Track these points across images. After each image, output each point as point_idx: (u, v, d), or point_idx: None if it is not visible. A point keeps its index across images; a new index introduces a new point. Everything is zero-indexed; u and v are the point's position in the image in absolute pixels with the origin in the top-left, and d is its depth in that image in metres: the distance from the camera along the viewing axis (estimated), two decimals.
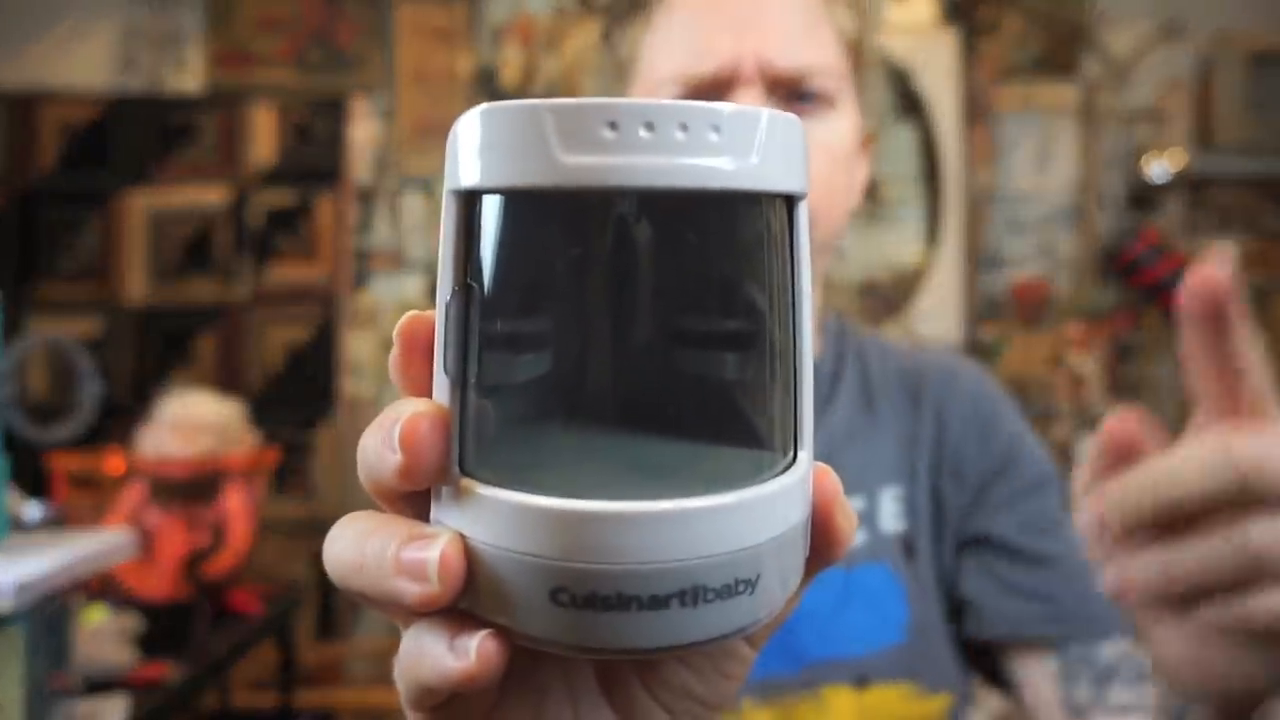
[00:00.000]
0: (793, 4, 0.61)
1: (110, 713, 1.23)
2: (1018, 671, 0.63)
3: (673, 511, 0.23)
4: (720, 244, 0.24)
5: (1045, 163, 2.53)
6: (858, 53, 0.64)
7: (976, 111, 2.53)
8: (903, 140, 2.51)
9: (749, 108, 0.24)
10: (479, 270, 0.24)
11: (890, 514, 0.64)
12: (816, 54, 0.61)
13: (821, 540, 0.26)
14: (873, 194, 2.48)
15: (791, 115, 0.25)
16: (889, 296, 2.51)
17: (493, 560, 0.24)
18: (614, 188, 0.22)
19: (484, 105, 0.24)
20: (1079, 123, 2.53)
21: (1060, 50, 2.54)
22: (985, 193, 2.54)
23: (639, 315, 0.24)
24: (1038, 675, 0.61)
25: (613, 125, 0.22)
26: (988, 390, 0.69)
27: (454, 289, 0.24)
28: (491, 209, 0.24)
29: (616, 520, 0.22)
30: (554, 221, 0.24)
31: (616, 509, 0.22)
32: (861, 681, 0.61)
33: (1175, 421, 0.36)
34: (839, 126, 0.62)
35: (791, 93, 0.60)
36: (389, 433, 0.24)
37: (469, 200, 0.24)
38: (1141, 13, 2.48)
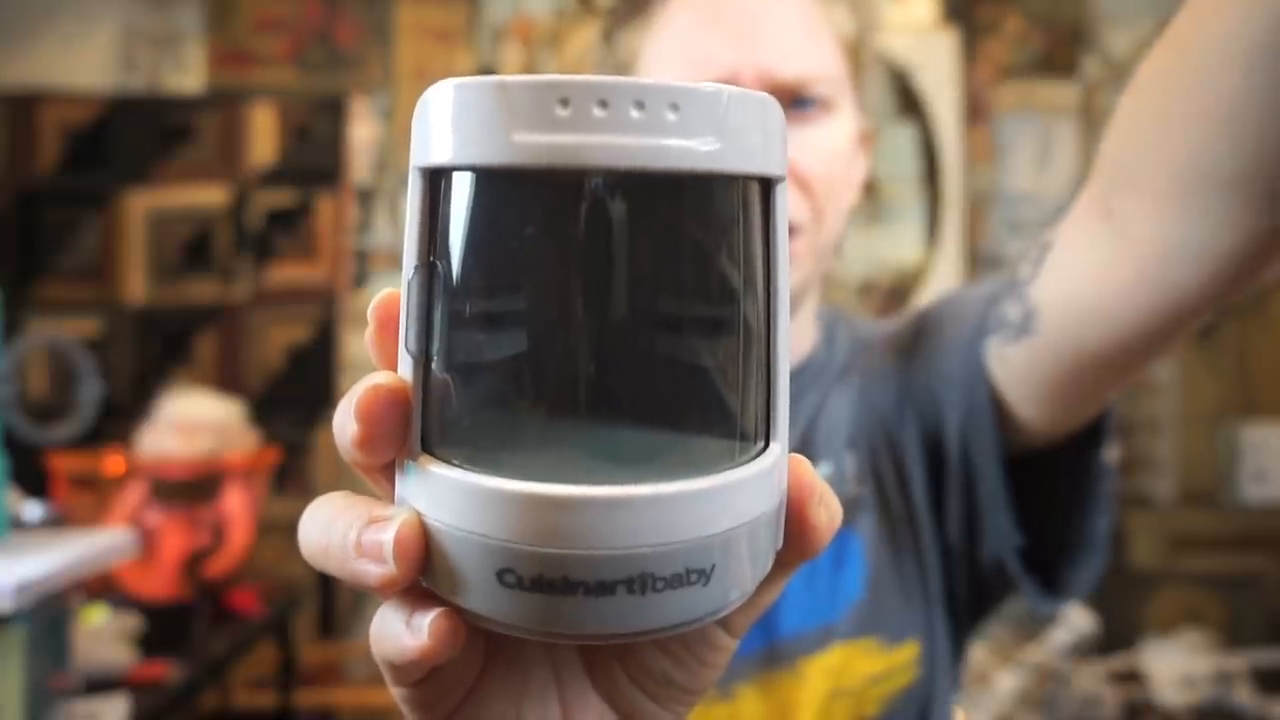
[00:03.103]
0: (792, 12, 0.61)
1: (110, 713, 1.23)
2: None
3: (621, 497, 0.22)
4: (683, 226, 0.24)
5: (1045, 163, 2.53)
6: (857, 53, 0.64)
7: (976, 111, 2.53)
8: (903, 140, 2.51)
9: (712, 86, 0.23)
10: (441, 247, 0.24)
11: (851, 476, 0.64)
12: (816, 62, 0.61)
13: (796, 534, 0.26)
14: (873, 194, 2.48)
15: (765, 95, 0.24)
16: (889, 296, 2.51)
17: (446, 539, 0.24)
18: (561, 167, 0.22)
19: (444, 81, 0.23)
20: (1079, 123, 2.53)
21: (1060, 50, 2.54)
22: (985, 193, 2.54)
23: (603, 297, 0.23)
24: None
25: (565, 103, 0.22)
26: (945, 299, 0.68)
27: (416, 266, 0.24)
28: (450, 186, 0.24)
29: (563, 504, 0.22)
30: (513, 199, 0.23)
31: (564, 492, 0.22)
32: (827, 644, 0.62)
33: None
34: (838, 130, 0.62)
35: (791, 100, 0.60)
36: (349, 402, 0.24)
37: (428, 177, 0.24)
38: (1141, 13, 2.48)
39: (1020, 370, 0.56)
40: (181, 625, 1.56)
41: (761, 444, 0.25)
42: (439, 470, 0.24)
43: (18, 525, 1.23)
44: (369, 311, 0.26)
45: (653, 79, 0.22)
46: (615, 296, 0.23)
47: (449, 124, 0.23)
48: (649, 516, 0.22)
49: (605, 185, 0.23)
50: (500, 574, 0.23)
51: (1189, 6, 0.41)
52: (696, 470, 0.23)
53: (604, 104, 0.22)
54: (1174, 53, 0.42)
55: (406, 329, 0.24)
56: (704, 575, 0.23)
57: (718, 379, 0.24)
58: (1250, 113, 0.39)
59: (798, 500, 0.26)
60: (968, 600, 0.66)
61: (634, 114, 0.22)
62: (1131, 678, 2.32)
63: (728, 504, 0.24)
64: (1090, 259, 0.50)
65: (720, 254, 0.24)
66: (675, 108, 0.22)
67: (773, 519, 0.25)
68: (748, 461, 0.25)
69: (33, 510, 1.29)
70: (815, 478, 0.26)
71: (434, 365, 0.24)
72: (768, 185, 0.25)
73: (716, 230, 0.24)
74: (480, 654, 0.29)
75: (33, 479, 1.63)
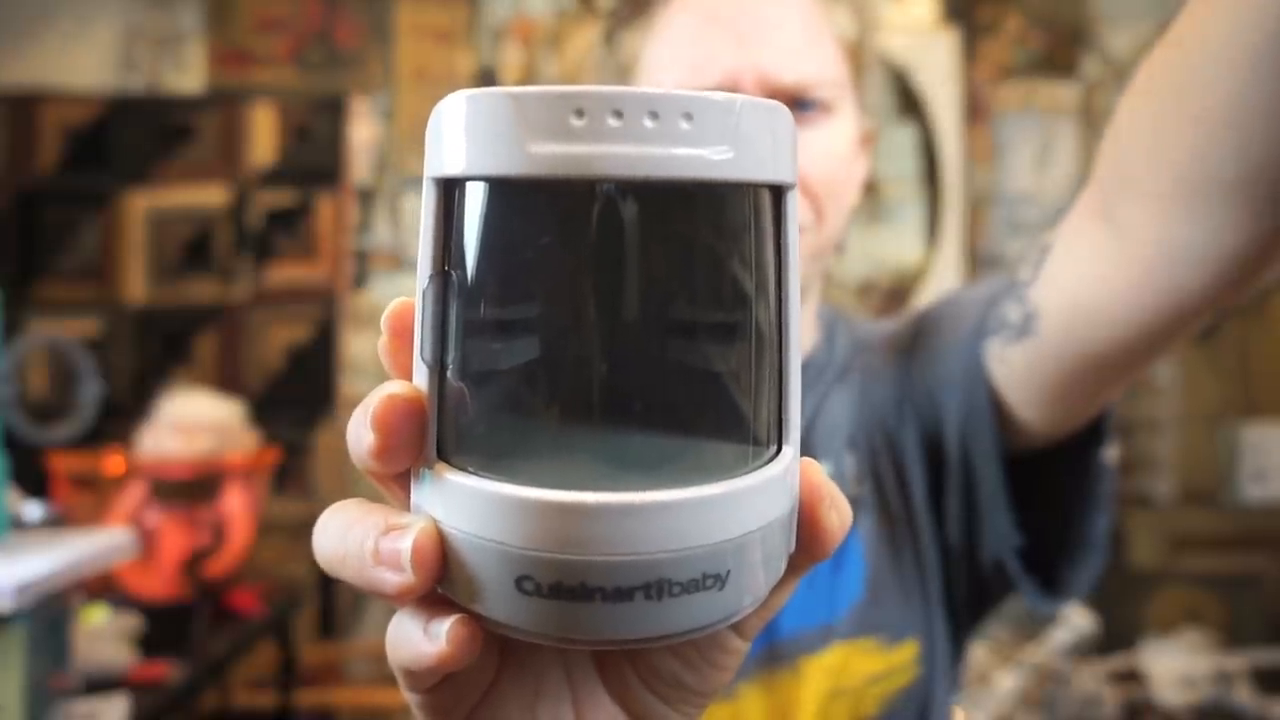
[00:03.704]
0: (793, 16, 0.61)
1: (110, 713, 1.23)
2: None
3: (638, 504, 0.22)
4: (696, 234, 0.24)
5: (1045, 163, 2.53)
6: (857, 55, 0.64)
7: (976, 111, 2.53)
8: (903, 140, 2.51)
9: (724, 95, 0.23)
10: (456, 257, 0.24)
11: (851, 477, 0.65)
12: (817, 65, 0.61)
13: (809, 537, 0.26)
14: (873, 194, 2.48)
15: (776, 103, 0.24)
16: (889, 296, 2.51)
17: (463, 546, 0.24)
18: (577, 177, 0.22)
19: (458, 92, 0.23)
20: (1079, 123, 2.53)
21: (1060, 50, 2.54)
22: (985, 193, 2.54)
23: (617, 304, 0.23)
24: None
25: (579, 113, 0.22)
26: (944, 299, 0.68)
27: (431, 276, 0.24)
28: (464, 196, 0.24)
29: (581, 511, 0.22)
30: (527, 209, 0.24)
31: (581, 499, 0.22)
32: (827, 643, 0.62)
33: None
34: (838, 132, 0.63)
35: (792, 102, 0.60)
36: (365, 413, 0.24)
37: (443, 187, 0.24)
38: (1141, 13, 2.48)
39: (1020, 371, 0.56)
40: (181, 625, 1.56)
41: (774, 448, 0.26)
42: (455, 478, 0.24)
43: (18, 525, 1.23)
44: (383, 320, 0.26)
45: (665, 89, 0.22)
46: (629, 304, 0.23)
47: (463, 135, 0.23)
48: (666, 522, 0.23)
49: (619, 193, 0.23)
50: (518, 581, 0.23)
51: (1189, 9, 0.41)
52: (711, 475, 0.23)
53: (619, 114, 0.22)
54: (1175, 55, 0.42)
55: (421, 338, 0.24)
56: (720, 580, 0.24)
57: (731, 384, 0.25)
58: (1252, 115, 0.39)
59: (809, 503, 0.26)
60: (967, 600, 0.66)
61: (648, 123, 0.22)
62: (1131, 678, 2.32)
63: (743, 509, 0.24)
64: (1091, 261, 0.50)
65: (732, 261, 0.24)
66: (689, 117, 0.22)
67: (786, 522, 0.26)
68: (761, 466, 0.25)
69: (33, 510, 1.29)
70: (826, 480, 0.26)
71: (449, 374, 0.24)
72: (779, 192, 0.25)
73: (729, 237, 0.24)
74: (495, 659, 0.29)
75: (33, 479, 1.63)
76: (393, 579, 0.24)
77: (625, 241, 0.23)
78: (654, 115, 0.22)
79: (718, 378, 0.24)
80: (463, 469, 0.24)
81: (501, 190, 0.23)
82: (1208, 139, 0.41)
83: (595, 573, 0.22)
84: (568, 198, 0.23)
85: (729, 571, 0.24)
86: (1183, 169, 0.43)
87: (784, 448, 0.26)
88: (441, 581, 0.25)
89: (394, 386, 0.24)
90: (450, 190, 0.24)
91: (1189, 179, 0.43)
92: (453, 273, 0.24)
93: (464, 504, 0.24)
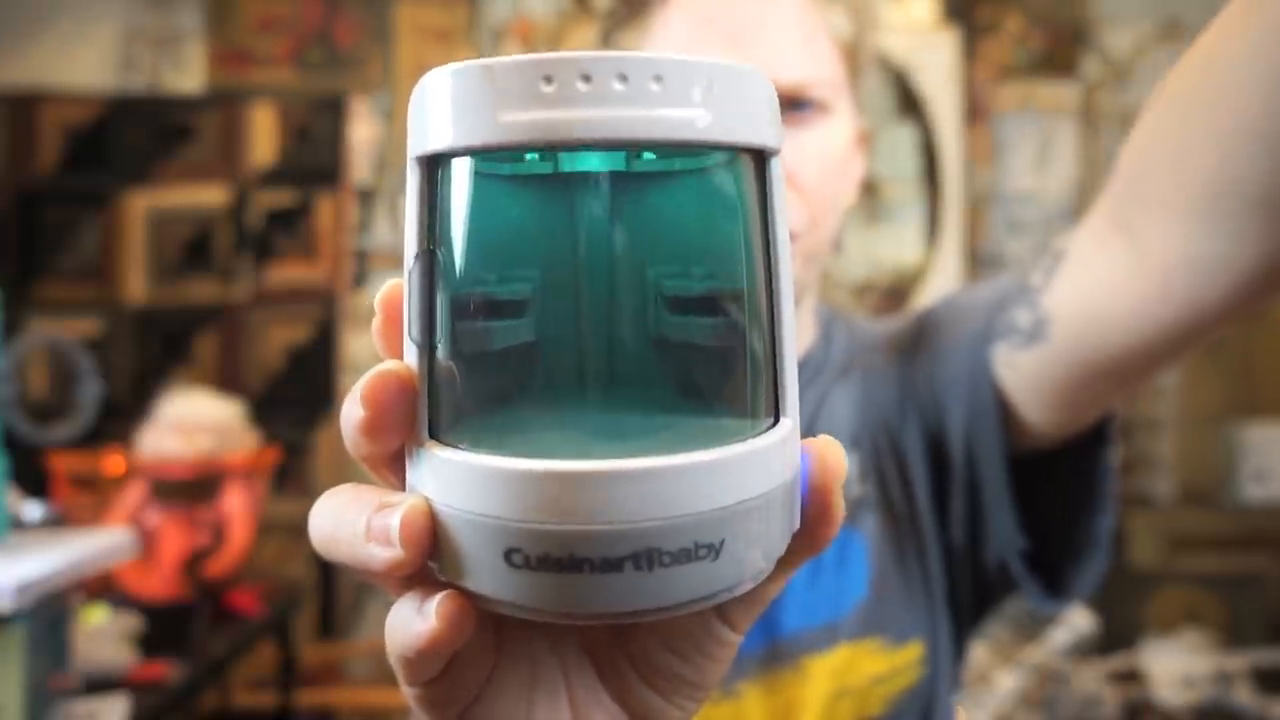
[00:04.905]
0: (789, 16, 0.61)
1: (110, 713, 1.23)
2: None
3: (623, 471, 0.22)
4: (677, 200, 0.24)
5: (1045, 163, 2.53)
6: (854, 55, 0.64)
7: (976, 111, 2.53)
8: (903, 140, 2.51)
9: (695, 57, 0.23)
10: (440, 235, 0.24)
11: (854, 476, 0.64)
12: (813, 66, 0.61)
13: (817, 517, 0.26)
14: (873, 194, 2.48)
15: (750, 66, 0.24)
16: (888, 296, 2.51)
17: (453, 522, 0.24)
18: (546, 143, 0.22)
19: (436, 69, 0.23)
20: (1079, 123, 2.53)
21: (1060, 50, 2.54)
22: (985, 193, 2.54)
23: (604, 276, 0.23)
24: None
25: (549, 79, 0.22)
26: (947, 301, 0.68)
27: (416, 254, 0.24)
28: (445, 172, 0.24)
29: (565, 479, 0.22)
30: (508, 182, 0.23)
31: (565, 467, 0.22)
32: (832, 643, 0.62)
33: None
34: (834, 132, 0.63)
35: (787, 103, 0.60)
36: (357, 390, 0.24)
37: (424, 164, 0.24)
38: (1141, 13, 2.48)
39: (1029, 376, 0.56)
40: (181, 625, 1.56)
41: (770, 420, 0.25)
42: (443, 454, 0.24)
43: (18, 525, 1.23)
44: (375, 302, 0.26)
45: (636, 53, 0.22)
46: (613, 275, 0.23)
47: (439, 111, 0.23)
48: (653, 489, 0.22)
49: (601, 161, 0.23)
50: (507, 554, 0.23)
51: (1217, 23, 0.41)
52: (703, 446, 0.23)
53: (587, 78, 0.22)
54: (1201, 69, 0.42)
55: (409, 317, 0.24)
56: (713, 550, 0.23)
57: (722, 355, 0.24)
58: (1276, 131, 0.39)
59: (824, 484, 0.26)
60: (970, 600, 0.66)
61: (617, 86, 0.22)
62: (1131, 678, 2.32)
63: (735, 477, 0.23)
64: (1107, 271, 0.50)
65: (716, 227, 0.24)
66: (659, 79, 0.22)
67: (785, 496, 0.25)
68: (757, 435, 0.24)
69: (33, 510, 1.29)
70: (843, 462, 0.26)
71: (439, 352, 0.24)
72: (761, 157, 0.25)
73: (712, 203, 0.24)
74: (491, 651, 0.29)
75: (33, 479, 1.63)
76: (382, 554, 0.24)
77: (608, 211, 0.23)
78: (623, 78, 0.22)
79: (708, 349, 0.24)
80: (454, 447, 0.24)
81: (477, 162, 0.23)
82: (1234, 153, 0.41)
83: (583, 543, 0.22)
84: (545, 167, 0.23)
85: (723, 542, 0.23)
86: (1207, 183, 0.43)
87: (781, 419, 0.25)
88: (435, 560, 0.25)
89: (386, 365, 0.25)
90: (431, 167, 0.24)
91: (1212, 192, 0.43)
92: (438, 251, 0.24)
93: (452, 479, 0.23)
